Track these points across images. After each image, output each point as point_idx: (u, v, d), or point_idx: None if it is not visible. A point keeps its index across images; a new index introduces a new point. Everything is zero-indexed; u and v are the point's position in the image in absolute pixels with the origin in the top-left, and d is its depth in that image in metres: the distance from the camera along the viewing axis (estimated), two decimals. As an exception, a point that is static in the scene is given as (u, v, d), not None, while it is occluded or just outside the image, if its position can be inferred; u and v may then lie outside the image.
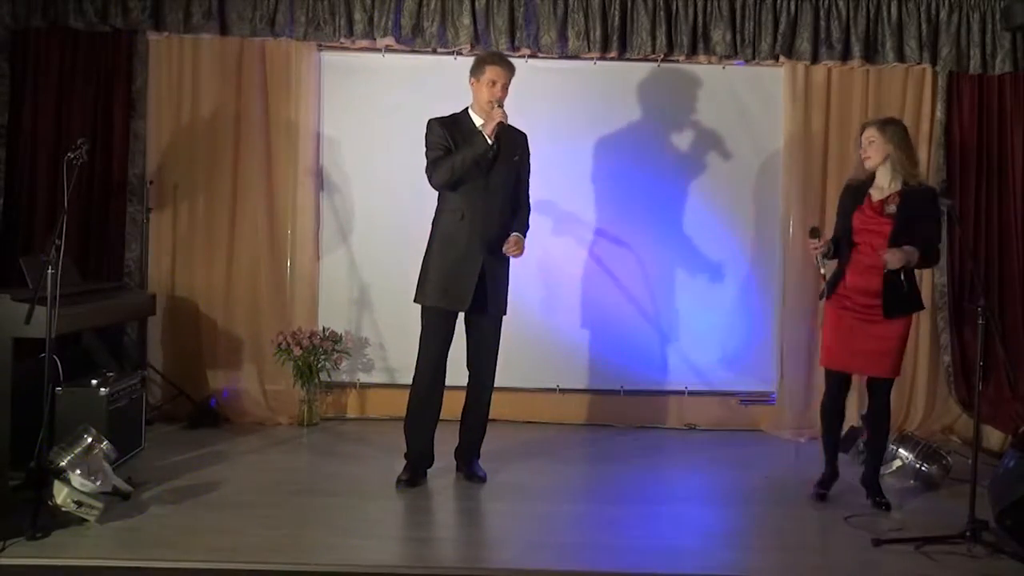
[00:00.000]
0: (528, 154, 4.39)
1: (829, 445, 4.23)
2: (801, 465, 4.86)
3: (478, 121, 4.20)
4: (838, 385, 4.14)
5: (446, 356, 4.27)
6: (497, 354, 4.34)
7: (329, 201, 5.54)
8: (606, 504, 4.15)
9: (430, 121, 4.24)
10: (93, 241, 5.36)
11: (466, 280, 4.15)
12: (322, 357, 5.27)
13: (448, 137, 4.17)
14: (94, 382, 4.24)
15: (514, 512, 3.97)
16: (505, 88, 4.18)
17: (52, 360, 3.79)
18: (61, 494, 3.54)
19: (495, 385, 5.49)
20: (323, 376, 5.35)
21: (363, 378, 5.55)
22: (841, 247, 4.05)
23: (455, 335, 4.29)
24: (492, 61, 4.22)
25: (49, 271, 3.62)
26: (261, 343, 5.41)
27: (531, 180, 5.50)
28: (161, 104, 5.42)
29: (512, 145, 4.28)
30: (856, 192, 4.07)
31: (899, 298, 3.94)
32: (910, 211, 3.92)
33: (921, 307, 4.11)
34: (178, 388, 5.33)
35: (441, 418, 4.35)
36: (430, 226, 4.28)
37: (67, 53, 5.34)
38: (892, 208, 3.93)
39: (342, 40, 5.43)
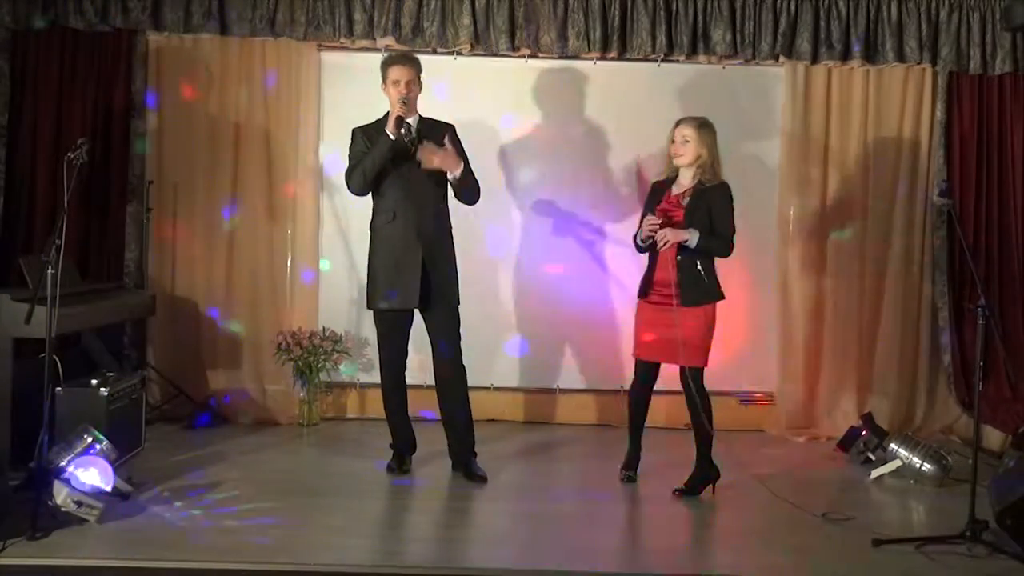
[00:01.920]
0: (459, 142, 4.37)
1: (635, 429, 4.40)
2: (801, 465, 4.87)
3: None
4: (646, 374, 4.33)
5: (406, 354, 4.40)
6: (458, 337, 4.34)
7: (329, 201, 5.54)
8: (606, 504, 4.15)
9: (353, 131, 4.36)
10: (93, 241, 5.36)
11: (410, 278, 4.20)
12: (322, 357, 5.27)
13: (368, 144, 4.24)
14: (94, 382, 4.23)
15: (514, 512, 3.97)
16: (410, 84, 4.24)
17: (52, 360, 3.79)
18: (61, 494, 3.54)
19: (498, 386, 5.54)
20: (323, 376, 5.35)
21: (363, 378, 5.55)
22: (652, 246, 4.22)
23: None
24: (392, 62, 4.32)
25: (49, 271, 3.62)
26: (261, 343, 5.41)
27: (532, 180, 5.54)
28: (161, 104, 5.42)
29: (435, 138, 4.29)
30: (660, 189, 4.32)
31: (695, 287, 4.13)
32: (705, 205, 4.16)
33: (719, 297, 4.20)
34: (178, 388, 5.33)
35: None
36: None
37: (67, 53, 5.33)
38: (687, 200, 4.19)
39: (342, 40, 5.42)
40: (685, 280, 4.14)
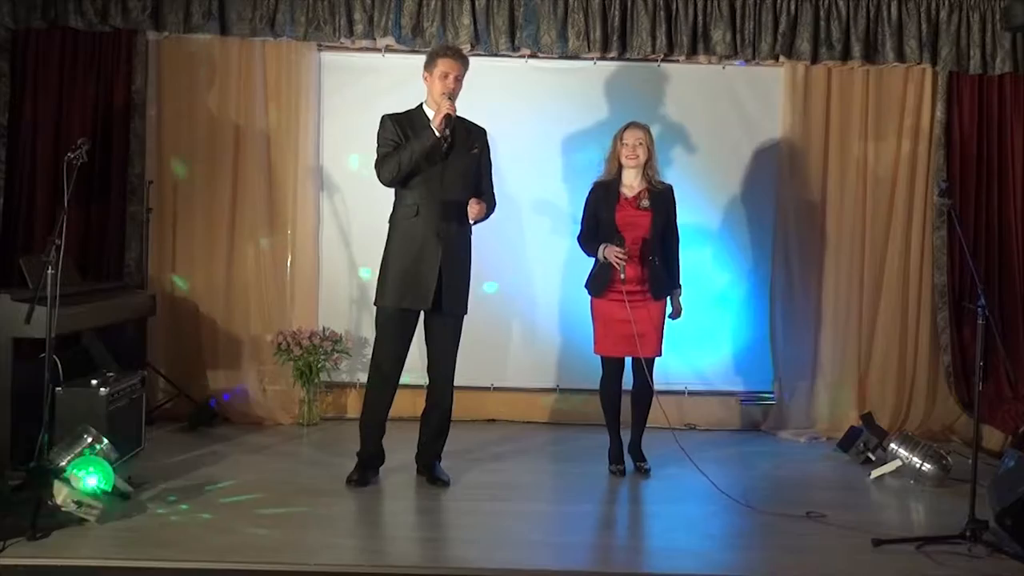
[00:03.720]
0: (488, 149, 4.32)
1: (614, 424, 4.58)
2: (801, 465, 4.87)
3: (432, 115, 4.12)
4: (616, 370, 4.51)
5: (404, 358, 4.23)
6: (455, 356, 4.25)
7: (329, 201, 5.54)
8: (606, 504, 4.16)
9: (383, 117, 4.21)
10: (93, 241, 5.36)
11: (426, 278, 4.08)
12: (322, 357, 5.27)
13: (400, 133, 4.12)
14: (94, 382, 4.23)
15: (514, 512, 3.97)
16: (458, 80, 4.11)
17: (52, 360, 3.78)
18: (61, 494, 3.54)
19: (498, 386, 5.53)
20: (323, 376, 5.35)
21: (363, 378, 5.51)
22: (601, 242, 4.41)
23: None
24: (444, 54, 4.16)
25: (49, 271, 3.62)
26: (261, 343, 5.41)
27: (532, 180, 5.54)
28: (161, 104, 5.42)
29: (468, 139, 4.21)
30: (608, 191, 4.47)
31: (660, 281, 4.42)
32: (664, 208, 4.44)
33: (679, 285, 4.54)
34: (178, 388, 5.33)
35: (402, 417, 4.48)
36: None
37: (67, 53, 5.33)
38: (646, 202, 4.40)
39: (342, 40, 5.42)
40: (652, 276, 4.39)
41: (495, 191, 4.36)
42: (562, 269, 5.51)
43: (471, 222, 4.16)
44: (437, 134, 4.04)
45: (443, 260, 4.10)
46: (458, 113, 4.15)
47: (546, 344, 5.56)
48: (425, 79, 4.18)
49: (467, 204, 4.13)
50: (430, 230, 4.10)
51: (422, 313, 4.20)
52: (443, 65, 4.10)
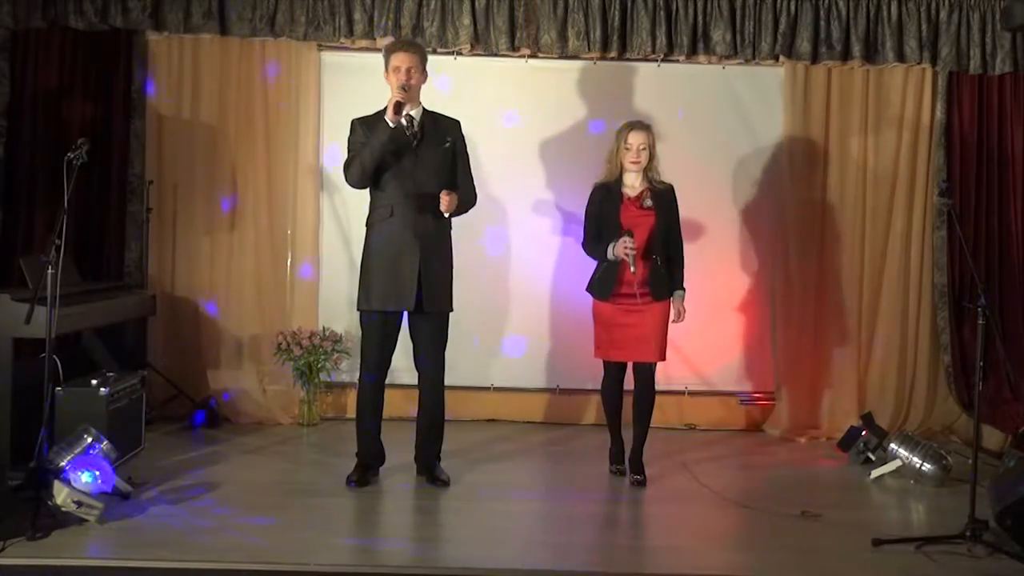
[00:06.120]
0: (463, 141, 4.29)
1: (616, 426, 4.54)
2: (801, 465, 4.87)
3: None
4: (618, 374, 4.47)
5: (391, 358, 4.22)
6: (443, 354, 4.24)
7: (329, 201, 5.54)
8: (606, 504, 4.16)
9: (352, 121, 4.22)
10: (93, 241, 5.36)
11: (407, 279, 4.06)
12: (322, 357, 5.27)
13: (368, 135, 4.11)
14: (94, 382, 4.23)
15: (513, 512, 3.98)
16: (411, 72, 4.09)
17: (52, 360, 3.78)
18: (61, 494, 3.54)
19: (498, 386, 5.51)
20: (323, 376, 5.35)
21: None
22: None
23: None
24: (393, 49, 4.17)
25: (49, 271, 3.62)
26: (261, 343, 5.42)
27: (532, 180, 5.54)
28: (161, 104, 5.42)
29: (439, 133, 4.19)
30: (610, 192, 4.42)
31: (661, 283, 4.35)
32: (666, 208, 4.39)
33: (680, 287, 4.44)
34: (178, 388, 5.33)
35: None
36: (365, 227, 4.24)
37: (67, 53, 5.34)
38: (649, 202, 4.36)
39: (342, 40, 5.43)
40: (653, 278, 4.32)
41: (475, 184, 4.33)
42: (562, 269, 5.51)
43: (445, 215, 4.12)
44: (391, 123, 4.02)
45: (422, 258, 4.08)
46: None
47: (546, 344, 5.56)
48: (385, 78, 4.18)
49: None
50: (407, 229, 4.08)
51: (406, 312, 4.18)
52: (394, 60, 4.12)
